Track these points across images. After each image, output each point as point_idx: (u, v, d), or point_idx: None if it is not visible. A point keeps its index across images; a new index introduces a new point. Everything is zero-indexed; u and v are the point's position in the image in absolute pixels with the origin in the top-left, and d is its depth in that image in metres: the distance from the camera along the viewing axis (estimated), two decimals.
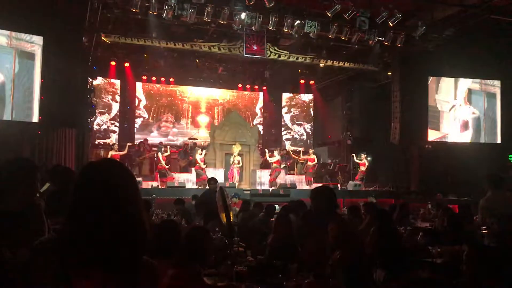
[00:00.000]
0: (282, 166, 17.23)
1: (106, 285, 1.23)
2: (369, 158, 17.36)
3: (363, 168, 16.95)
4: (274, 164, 16.31)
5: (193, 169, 15.57)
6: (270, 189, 15.01)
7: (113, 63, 17.56)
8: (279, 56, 15.37)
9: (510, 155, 16.31)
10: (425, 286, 1.24)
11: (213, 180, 9.43)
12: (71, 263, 1.24)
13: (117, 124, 19.37)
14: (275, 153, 16.66)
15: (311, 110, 22.65)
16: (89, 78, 14.52)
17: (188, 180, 15.38)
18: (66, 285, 1.22)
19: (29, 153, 11.98)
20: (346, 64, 16.56)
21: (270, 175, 16.28)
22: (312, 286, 3.39)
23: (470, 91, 16.67)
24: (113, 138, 19.13)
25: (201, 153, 15.50)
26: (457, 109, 16.56)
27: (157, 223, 6.26)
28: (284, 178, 16.71)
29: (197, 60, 17.64)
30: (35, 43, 12.02)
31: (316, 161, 17.16)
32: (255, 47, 14.56)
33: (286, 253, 4.35)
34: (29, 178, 2.88)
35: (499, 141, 16.51)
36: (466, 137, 16.52)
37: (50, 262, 1.29)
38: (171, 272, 3.28)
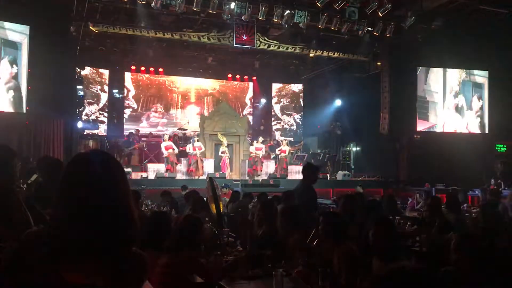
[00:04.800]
0: (272, 156, 17.29)
1: (96, 276, 1.23)
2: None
3: (259, 153, 16.51)
4: (283, 154, 16.55)
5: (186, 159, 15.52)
6: (260, 180, 15.03)
7: (101, 52, 17.39)
8: (269, 46, 15.32)
9: (498, 145, 16.50)
10: (411, 276, 1.25)
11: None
12: (61, 254, 1.23)
13: (105, 114, 19.23)
14: (284, 143, 16.92)
15: (300, 100, 22.65)
16: (77, 68, 14.39)
17: (178, 170, 15.35)
18: (56, 276, 1.22)
19: (17, 143, 11.87)
20: (336, 54, 16.56)
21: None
22: (302, 275, 3.42)
23: (458, 81, 16.80)
24: (102, 129, 19.01)
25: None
26: (447, 99, 16.68)
27: (147, 214, 6.25)
28: (274, 168, 16.76)
29: (186, 50, 17.53)
30: (21, 33, 11.87)
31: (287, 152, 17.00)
32: (244, 37, 14.50)
33: (274, 243, 4.38)
34: (6, 165, 2.74)
35: (486, 130, 16.69)
36: (454, 127, 16.66)
37: (39, 253, 1.28)
38: (164, 259, 3.31)
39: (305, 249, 3.70)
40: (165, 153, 15.11)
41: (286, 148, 16.89)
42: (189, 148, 15.37)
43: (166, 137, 15.63)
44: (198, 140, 15.61)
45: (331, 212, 4.62)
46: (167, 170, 14.83)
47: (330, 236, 3.71)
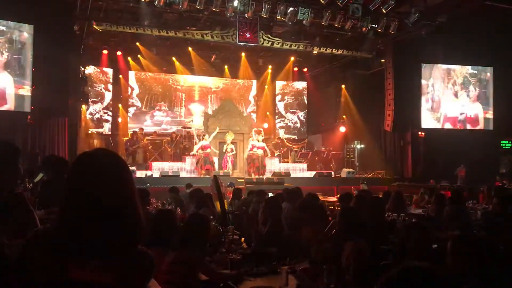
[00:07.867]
0: (276, 154, 17.22)
1: (102, 274, 1.23)
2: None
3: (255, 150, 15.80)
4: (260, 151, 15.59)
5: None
6: (264, 177, 15.02)
7: (105, 51, 17.44)
8: (272, 44, 15.30)
9: (503, 141, 16.43)
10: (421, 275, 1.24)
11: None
12: (67, 253, 1.24)
13: (110, 113, 19.27)
14: (260, 139, 15.84)
15: (304, 98, 22.61)
16: (81, 67, 14.41)
17: (182, 168, 15.36)
18: (62, 275, 1.22)
19: (22, 142, 11.91)
20: (340, 52, 16.52)
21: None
22: (307, 272, 3.41)
23: (463, 78, 16.75)
24: (106, 128, 19.06)
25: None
26: (451, 95, 16.62)
27: (152, 212, 6.25)
28: (278, 166, 16.73)
29: (190, 48, 17.53)
30: (25, 32, 11.91)
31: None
32: (248, 35, 14.47)
33: (279, 240, 4.39)
34: (10, 163, 2.68)
35: (491, 127, 16.62)
36: (460, 124, 16.61)
37: (45, 252, 1.29)
38: (170, 258, 3.31)
39: (313, 245, 3.70)
40: (202, 152, 14.89)
41: (262, 144, 15.72)
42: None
43: (206, 136, 15.35)
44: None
45: (350, 208, 4.60)
46: (207, 169, 14.70)
47: (344, 231, 3.71)
